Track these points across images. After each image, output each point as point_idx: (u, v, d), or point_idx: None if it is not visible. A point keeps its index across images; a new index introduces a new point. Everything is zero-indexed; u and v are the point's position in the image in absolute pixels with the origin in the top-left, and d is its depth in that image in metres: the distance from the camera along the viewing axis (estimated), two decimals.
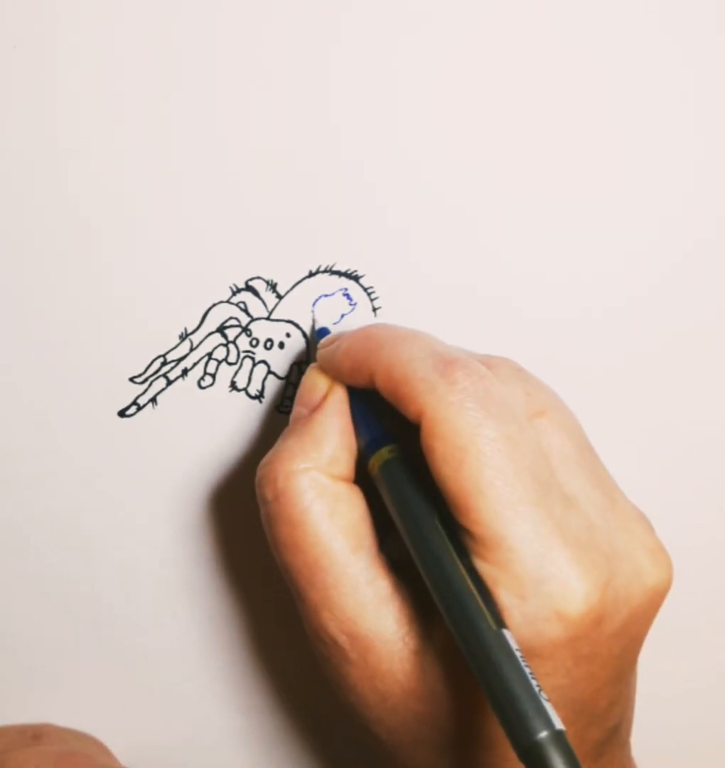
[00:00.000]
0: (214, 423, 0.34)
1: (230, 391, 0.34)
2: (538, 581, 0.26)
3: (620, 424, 0.32)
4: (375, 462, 0.29)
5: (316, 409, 0.30)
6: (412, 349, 0.28)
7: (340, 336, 0.31)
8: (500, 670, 0.24)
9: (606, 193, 0.34)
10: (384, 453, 0.29)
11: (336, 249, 0.33)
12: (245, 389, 0.34)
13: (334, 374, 0.30)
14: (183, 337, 0.34)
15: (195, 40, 0.31)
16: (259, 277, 0.33)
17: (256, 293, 0.34)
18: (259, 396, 0.34)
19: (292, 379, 0.34)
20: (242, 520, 0.36)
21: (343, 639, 0.28)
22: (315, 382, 0.31)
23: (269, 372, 0.34)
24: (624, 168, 0.34)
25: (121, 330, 0.33)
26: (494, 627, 0.25)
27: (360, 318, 0.34)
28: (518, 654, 0.25)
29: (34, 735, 0.37)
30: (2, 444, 0.34)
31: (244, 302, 0.34)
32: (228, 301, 0.34)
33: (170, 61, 0.31)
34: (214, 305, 0.33)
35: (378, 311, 0.34)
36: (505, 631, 0.25)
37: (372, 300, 0.34)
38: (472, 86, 0.32)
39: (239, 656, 0.38)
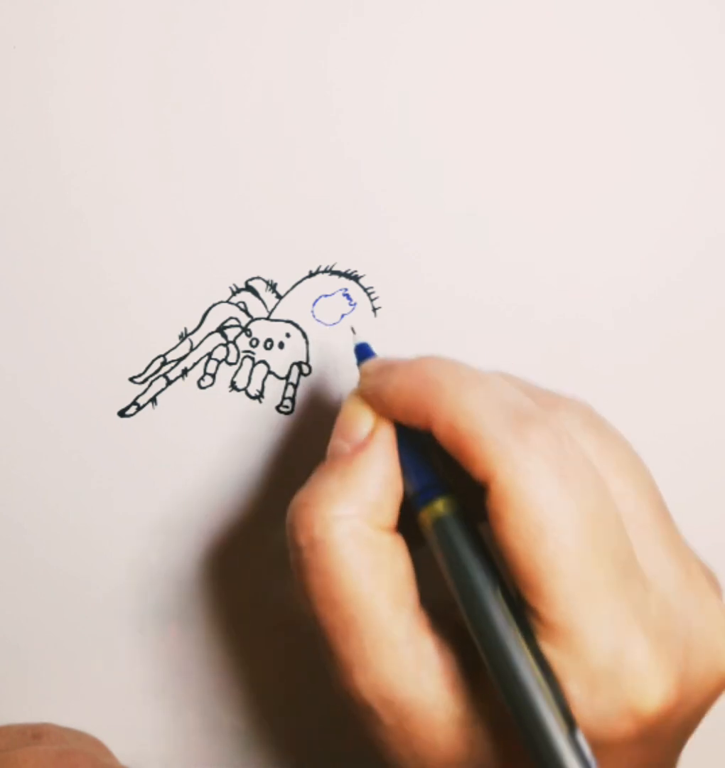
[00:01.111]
0: (214, 423, 0.34)
1: (230, 391, 0.34)
2: (612, 675, 0.24)
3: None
4: (427, 516, 0.26)
5: (360, 447, 0.27)
6: (479, 398, 0.25)
7: (389, 364, 0.27)
8: None
9: (612, 193, 0.34)
10: (439, 507, 0.26)
11: (336, 249, 0.33)
12: (245, 389, 0.34)
13: (382, 411, 0.27)
14: (183, 337, 0.34)
15: (195, 41, 0.31)
16: (259, 277, 0.33)
17: (255, 293, 0.34)
18: (259, 396, 0.34)
19: (291, 379, 0.34)
20: (242, 520, 0.36)
21: (377, 705, 0.26)
22: (359, 415, 0.27)
23: (269, 372, 0.34)
24: (627, 166, 0.34)
25: (121, 330, 0.33)
26: (565, 729, 0.23)
27: (360, 318, 0.34)
28: (592, 761, 0.23)
29: (34, 734, 0.37)
30: (2, 444, 0.34)
31: (244, 302, 0.34)
32: (228, 301, 0.34)
33: (170, 62, 0.31)
34: (214, 305, 0.33)
35: (378, 311, 0.34)
36: (579, 735, 0.23)
37: (372, 300, 0.34)
38: (475, 87, 0.32)
39: (240, 656, 0.38)
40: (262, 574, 0.37)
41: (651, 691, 0.24)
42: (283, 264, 0.33)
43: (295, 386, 0.34)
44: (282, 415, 0.35)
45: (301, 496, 0.27)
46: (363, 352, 0.30)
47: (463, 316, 0.34)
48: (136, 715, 0.38)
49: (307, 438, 0.34)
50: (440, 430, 0.25)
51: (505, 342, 0.34)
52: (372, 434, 0.27)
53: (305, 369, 0.34)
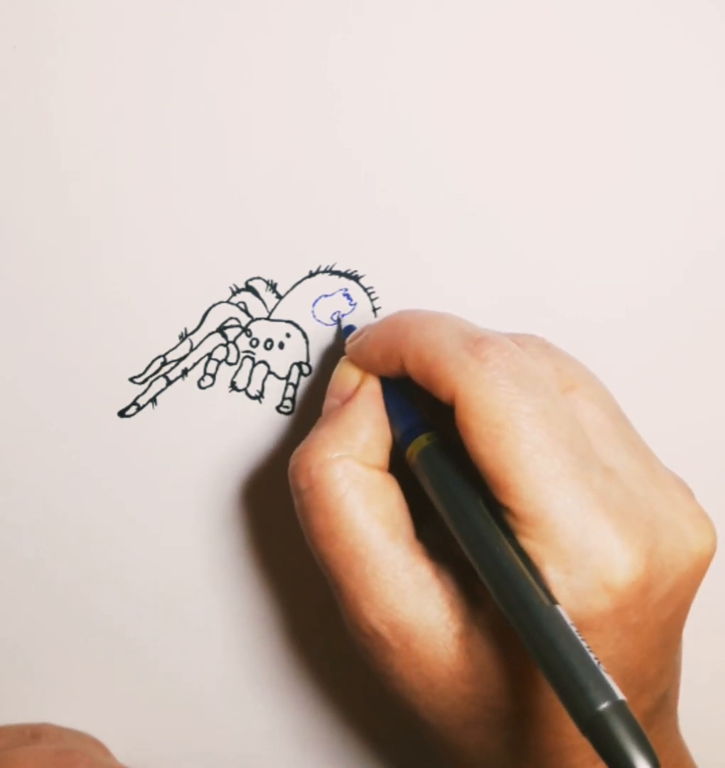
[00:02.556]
0: (214, 423, 0.34)
1: (230, 391, 0.34)
2: (583, 554, 0.26)
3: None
4: (413, 450, 0.29)
5: (348, 399, 0.30)
6: (440, 329, 0.28)
7: (367, 326, 0.31)
8: (557, 645, 0.24)
9: (615, 193, 0.34)
10: (421, 440, 0.29)
11: (336, 249, 0.33)
12: (245, 389, 0.34)
13: (365, 365, 0.30)
14: (183, 337, 0.34)
15: (195, 41, 0.31)
16: (259, 277, 0.33)
17: (256, 293, 0.34)
18: (259, 396, 0.34)
19: (291, 380, 0.34)
20: (242, 519, 0.36)
21: (384, 629, 0.28)
22: (346, 373, 0.31)
23: (269, 372, 0.34)
24: (631, 165, 0.34)
25: (121, 330, 0.33)
26: (547, 603, 0.25)
27: (360, 318, 0.34)
28: (573, 628, 0.25)
29: (33, 734, 0.37)
30: (2, 444, 0.34)
31: (244, 302, 0.34)
32: (228, 301, 0.33)
33: (170, 62, 0.31)
34: (214, 305, 0.33)
35: (378, 311, 0.34)
36: (559, 607, 0.25)
37: (372, 300, 0.34)
38: (475, 86, 0.32)
39: (239, 656, 0.38)
40: (265, 572, 0.37)
41: (619, 563, 0.26)
42: (283, 264, 0.33)
43: (295, 386, 0.34)
44: (282, 415, 0.35)
45: (299, 447, 0.29)
46: (350, 331, 0.33)
47: (463, 316, 0.34)
48: (135, 715, 0.38)
49: None
50: (410, 366, 0.28)
51: None
52: (358, 387, 0.30)
53: (305, 369, 0.34)
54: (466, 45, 0.32)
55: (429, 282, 0.34)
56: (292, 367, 0.34)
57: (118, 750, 0.38)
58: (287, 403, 0.35)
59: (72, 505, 0.35)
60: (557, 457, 0.26)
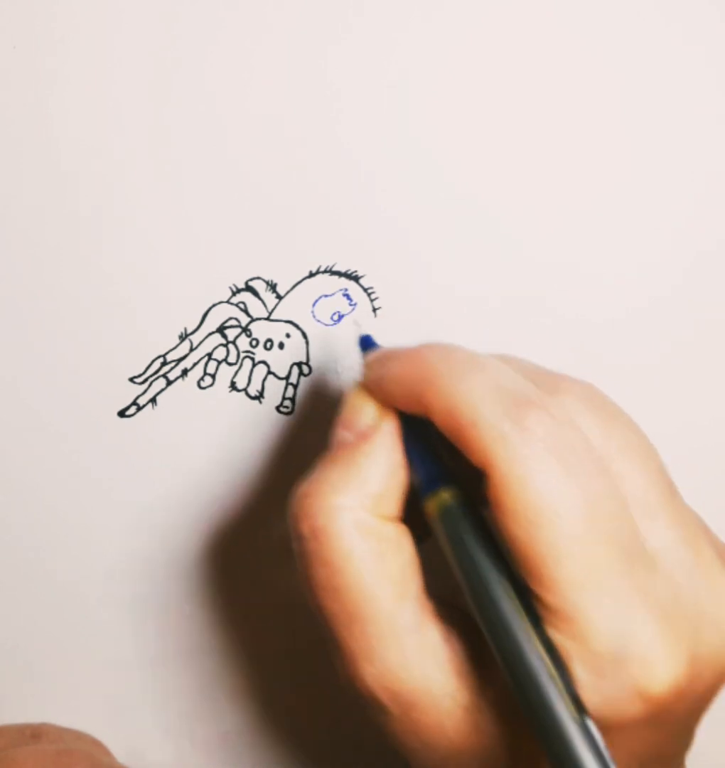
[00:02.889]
0: (214, 423, 0.34)
1: (230, 391, 0.34)
2: (619, 659, 0.24)
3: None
4: (433, 505, 0.26)
5: (363, 437, 0.27)
6: (475, 384, 0.25)
7: (389, 353, 0.27)
8: (583, 766, 0.23)
9: (616, 192, 0.34)
10: (444, 497, 0.26)
11: (336, 249, 0.33)
12: (245, 389, 0.34)
13: (384, 400, 0.27)
14: (183, 337, 0.34)
15: (195, 40, 0.31)
16: (259, 278, 0.33)
17: (255, 293, 0.34)
18: (259, 396, 0.34)
19: (291, 380, 0.34)
20: (243, 520, 0.36)
21: (383, 695, 0.25)
22: (362, 405, 0.27)
23: (269, 372, 0.34)
24: (633, 163, 0.34)
25: (121, 330, 0.33)
26: (577, 716, 0.23)
27: (360, 318, 0.34)
28: (603, 748, 0.23)
29: (33, 734, 0.37)
30: (2, 444, 0.34)
31: (243, 302, 0.34)
32: (228, 302, 0.34)
33: (170, 62, 0.31)
34: (214, 305, 0.33)
35: (378, 311, 0.34)
36: (589, 722, 0.23)
37: (372, 300, 0.34)
38: (476, 86, 0.32)
39: (239, 656, 0.38)
40: (263, 574, 0.37)
41: (659, 672, 0.24)
42: (283, 264, 0.33)
43: (295, 386, 0.34)
44: (282, 415, 0.35)
45: (304, 486, 0.26)
46: (366, 344, 0.30)
47: (464, 316, 0.34)
48: (135, 715, 0.38)
49: (307, 438, 0.34)
50: (438, 418, 0.25)
51: (506, 342, 0.35)
52: (375, 425, 0.27)
53: (305, 369, 0.34)
54: (466, 45, 0.32)
55: (429, 282, 0.34)
56: (292, 367, 0.34)
57: (118, 750, 0.38)
58: (287, 403, 0.35)
59: (72, 505, 0.35)
60: (601, 554, 0.24)
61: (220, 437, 0.35)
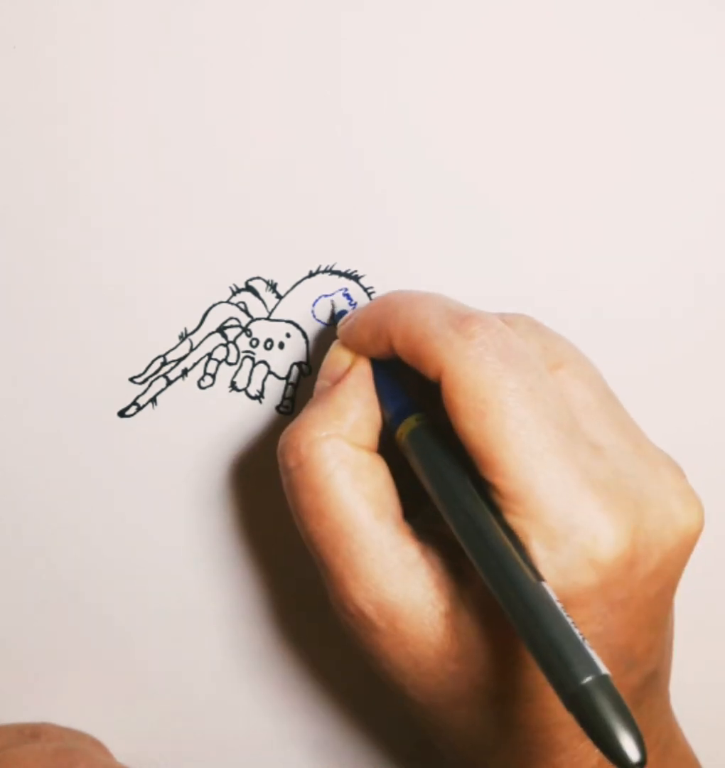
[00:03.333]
0: (214, 423, 0.34)
1: (230, 391, 0.34)
2: (569, 531, 0.26)
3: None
4: (402, 431, 0.29)
5: (339, 380, 0.30)
6: (427, 308, 0.28)
7: (357, 309, 0.31)
8: (542, 621, 0.24)
9: (612, 188, 0.34)
10: (411, 421, 0.29)
11: (336, 249, 0.33)
12: (245, 389, 0.34)
13: (356, 347, 0.30)
14: (183, 337, 0.34)
15: (195, 41, 0.31)
16: (259, 277, 0.33)
17: (256, 293, 0.34)
18: (259, 396, 0.34)
19: (291, 380, 0.34)
20: (242, 519, 0.36)
21: (369, 608, 0.28)
22: (337, 356, 0.31)
23: (269, 372, 0.34)
24: (633, 166, 0.34)
25: (121, 330, 0.33)
26: (533, 580, 0.25)
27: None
28: (559, 605, 0.25)
29: (33, 734, 0.37)
30: (2, 444, 0.34)
31: (244, 302, 0.34)
32: (228, 301, 0.34)
33: (171, 61, 0.31)
34: (214, 305, 0.33)
35: None
36: (544, 583, 0.25)
37: (372, 300, 0.34)
38: (476, 86, 0.32)
39: (239, 656, 0.38)
40: (263, 571, 0.37)
41: (604, 539, 0.26)
42: (283, 264, 0.33)
43: (295, 386, 0.34)
44: (282, 415, 0.35)
45: (289, 426, 0.29)
46: (342, 316, 0.33)
47: None
48: (135, 715, 0.38)
49: None
50: (398, 345, 0.28)
51: None
52: (349, 369, 0.30)
53: (305, 369, 0.34)
54: (466, 44, 0.32)
55: (429, 282, 0.34)
56: (292, 367, 0.34)
57: (118, 750, 0.38)
58: (287, 403, 0.35)
59: (72, 505, 0.35)
60: (542, 433, 0.26)
61: (220, 437, 0.35)
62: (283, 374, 0.34)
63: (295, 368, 0.34)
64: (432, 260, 0.34)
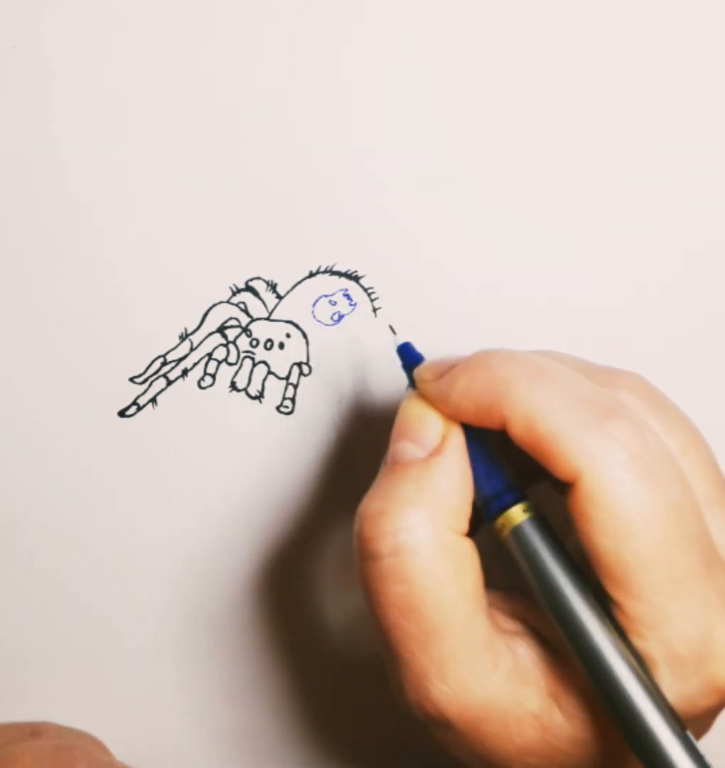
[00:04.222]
0: (214, 423, 0.34)
1: (230, 391, 0.34)
2: (701, 660, 0.24)
3: None
4: (504, 523, 0.26)
5: (435, 452, 0.26)
6: (553, 394, 0.25)
7: (448, 365, 0.27)
8: None
9: (613, 188, 0.34)
10: (517, 513, 0.26)
11: (336, 249, 0.33)
12: (245, 389, 0.34)
13: (450, 413, 0.26)
14: (183, 337, 0.34)
15: (196, 39, 0.31)
16: (259, 278, 0.33)
17: (256, 293, 0.34)
18: (259, 396, 0.34)
19: (291, 380, 0.34)
20: (242, 520, 0.36)
21: (452, 712, 0.25)
22: (426, 418, 0.27)
23: (269, 372, 0.34)
24: (634, 165, 0.34)
25: (121, 330, 0.33)
26: (679, 729, 0.24)
27: (360, 318, 0.34)
28: (708, 763, 0.24)
29: (33, 732, 0.37)
30: (2, 445, 0.34)
31: (244, 302, 0.34)
32: (228, 302, 0.34)
33: (171, 61, 0.31)
34: (214, 305, 0.33)
35: (378, 311, 0.34)
36: (691, 735, 0.24)
37: (372, 300, 0.34)
38: (477, 86, 0.32)
39: (239, 656, 0.38)
40: (262, 575, 0.37)
41: None
42: (283, 264, 0.33)
43: (295, 386, 0.34)
44: (282, 415, 0.35)
45: (375, 504, 0.26)
46: (407, 351, 0.29)
47: (464, 316, 0.34)
48: (135, 715, 0.38)
49: (307, 438, 0.35)
50: (516, 432, 0.25)
51: (506, 342, 0.34)
52: (445, 438, 0.26)
53: (305, 369, 0.34)
54: (467, 44, 0.32)
55: (429, 282, 0.34)
56: (292, 367, 0.34)
57: (117, 750, 0.38)
58: (287, 403, 0.35)
59: (72, 505, 0.35)
60: (686, 559, 0.24)
61: (220, 437, 0.35)
62: (283, 374, 0.34)
63: (295, 368, 0.34)
64: (433, 260, 0.34)
